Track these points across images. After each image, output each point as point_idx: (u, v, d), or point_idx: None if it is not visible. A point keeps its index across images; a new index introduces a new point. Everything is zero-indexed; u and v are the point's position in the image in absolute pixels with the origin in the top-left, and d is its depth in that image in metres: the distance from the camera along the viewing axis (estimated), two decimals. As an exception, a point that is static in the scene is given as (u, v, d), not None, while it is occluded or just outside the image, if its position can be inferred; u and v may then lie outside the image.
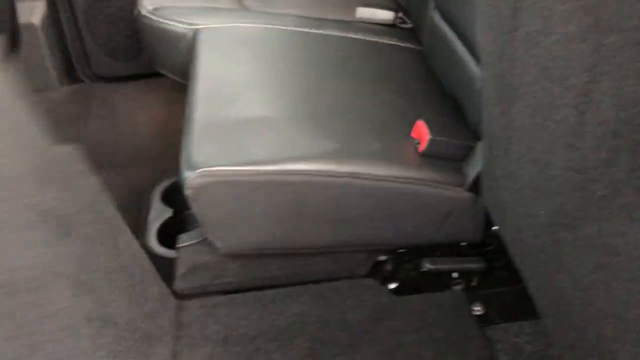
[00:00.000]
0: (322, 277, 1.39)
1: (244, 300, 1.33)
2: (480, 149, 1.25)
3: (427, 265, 1.36)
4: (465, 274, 1.39)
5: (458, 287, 1.39)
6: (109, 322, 1.28)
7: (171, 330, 1.28)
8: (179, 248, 1.43)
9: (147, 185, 1.81)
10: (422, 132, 1.28)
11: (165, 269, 1.57)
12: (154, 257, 1.57)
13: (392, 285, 1.39)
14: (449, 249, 1.40)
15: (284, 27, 1.73)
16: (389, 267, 1.40)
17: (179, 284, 1.38)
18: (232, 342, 1.24)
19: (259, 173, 1.24)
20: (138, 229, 1.68)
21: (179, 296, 1.36)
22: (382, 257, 1.41)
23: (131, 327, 1.29)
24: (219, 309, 1.32)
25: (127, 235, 1.66)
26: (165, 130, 2.23)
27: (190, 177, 1.22)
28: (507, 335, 1.28)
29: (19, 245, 1.45)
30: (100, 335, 1.26)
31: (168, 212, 1.65)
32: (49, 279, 1.40)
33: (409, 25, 1.88)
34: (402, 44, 1.77)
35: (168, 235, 1.59)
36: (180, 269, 1.38)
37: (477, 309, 1.34)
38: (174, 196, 1.70)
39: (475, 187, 1.24)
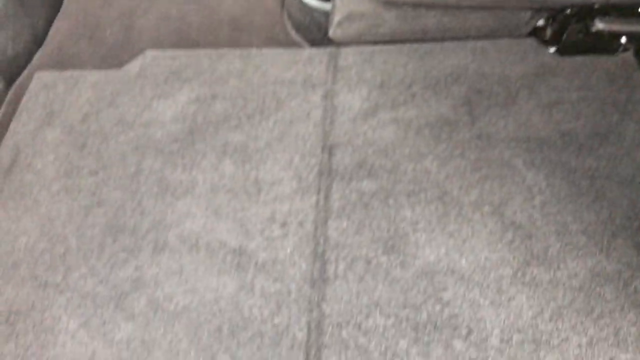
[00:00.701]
0: (481, 34, 1.36)
1: (400, 51, 1.34)
2: None
3: (598, 25, 1.27)
4: (637, 39, 1.30)
5: (627, 53, 1.31)
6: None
7: (329, 74, 1.33)
8: (334, -3, 1.42)
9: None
10: None
11: (318, 20, 1.59)
12: (306, 7, 1.58)
13: (555, 47, 1.33)
14: (622, 12, 1.30)
15: None
16: (555, 27, 1.33)
17: (335, 32, 1.39)
18: (389, 87, 1.27)
19: None
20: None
21: (336, 44, 1.38)
22: (548, 17, 1.33)
23: (291, 71, 1.36)
24: (375, 56, 1.34)
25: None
26: None
27: None
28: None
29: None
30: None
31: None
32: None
33: None
34: None
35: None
36: (337, 17, 1.38)
37: (646, 76, 1.27)
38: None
39: None
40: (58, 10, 1.80)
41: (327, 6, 1.52)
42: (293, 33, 1.64)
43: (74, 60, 1.64)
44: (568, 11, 1.31)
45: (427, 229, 1.08)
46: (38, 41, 1.71)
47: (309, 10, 1.58)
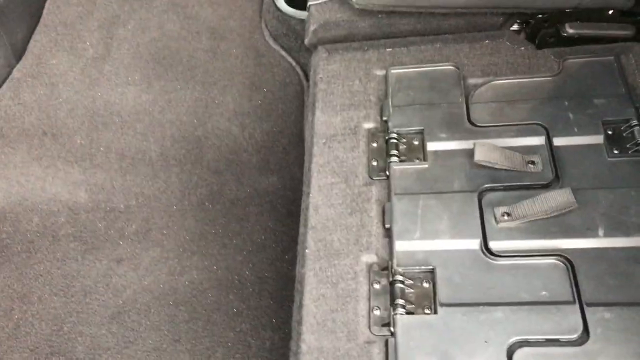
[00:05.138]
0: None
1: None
2: None
3: (569, 30, 1.29)
4: (610, 42, 1.31)
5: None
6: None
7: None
8: (310, 6, 1.42)
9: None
10: None
11: (294, 28, 1.60)
12: (284, 15, 1.59)
13: (528, 50, 1.35)
14: (594, 16, 1.31)
15: None
16: (526, 31, 1.34)
17: (311, 40, 1.40)
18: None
19: None
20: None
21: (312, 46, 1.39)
22: (519, 21, 1.35)
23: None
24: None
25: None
26: None
27: None
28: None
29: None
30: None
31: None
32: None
33: None
34: None
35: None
36: (312, 26, 1.39)
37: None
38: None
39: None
40: (37, 23, 1.81)
41: (303, 14, 1.53)
42: (271, 41, 1.65)
43: (54, 72, 1.65)
44: (539, 16, 1.32)
45: None
46: (17, 54, 1.72)
47: (286, 18, 1.59)
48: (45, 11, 1.83)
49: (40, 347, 1.30)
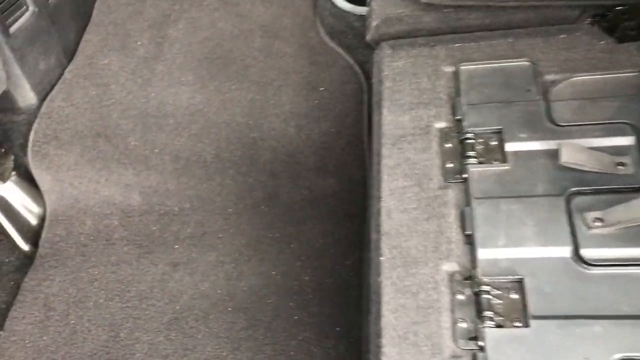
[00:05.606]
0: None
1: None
2: None
3: (654, 22, 1.21)
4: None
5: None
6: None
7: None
8: (370, 1, 1.37)
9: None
10: None
11: (353, 24, 1.55)
12: (341, 12, 1.54)
13: (605, 45, 1.27)
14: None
15: None
16: (604, 24, 1.27)
17: (373, 36, 1.34)
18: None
19: None
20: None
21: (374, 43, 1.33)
22: (597, 13, 1.27)
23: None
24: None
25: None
26: None
27: None
28: None
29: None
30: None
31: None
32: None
33: None
34: None
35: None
36: (374, 22, 1.33)
37: None
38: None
39: None
40: (87, 23, 1.79)
41: (361, 10, 1.48)
42: (327, 38, 1.60)
43: (105, 72, 1.63)
44: (618, 7, 1.24)
45: None
46: (69, 55, 1.70)
47: (343, 14, 1.54)
48: (95, 11, 1.82)
49: (98, 354, 1.27)
